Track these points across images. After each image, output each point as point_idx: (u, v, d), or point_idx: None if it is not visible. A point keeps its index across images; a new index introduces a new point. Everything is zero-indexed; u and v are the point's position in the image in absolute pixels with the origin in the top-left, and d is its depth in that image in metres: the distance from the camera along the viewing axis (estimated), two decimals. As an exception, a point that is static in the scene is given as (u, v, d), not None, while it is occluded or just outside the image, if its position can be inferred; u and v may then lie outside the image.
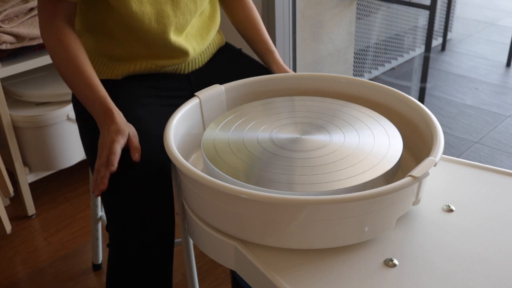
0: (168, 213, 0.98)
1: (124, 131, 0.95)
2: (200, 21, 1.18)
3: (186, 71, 1.19)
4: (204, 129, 1.04)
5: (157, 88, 1.14)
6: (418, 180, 0.77)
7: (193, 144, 1.02)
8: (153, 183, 0.96)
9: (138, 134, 1.01)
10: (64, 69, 1.01)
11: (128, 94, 1.09)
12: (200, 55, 1.20)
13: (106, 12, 1.06)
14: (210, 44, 1.23)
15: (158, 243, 0.97)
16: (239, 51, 1.29)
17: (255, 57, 1.28)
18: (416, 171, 0.78)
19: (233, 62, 1.25)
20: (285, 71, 1.20)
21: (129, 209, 0.95)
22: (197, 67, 1.20)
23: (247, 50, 1.29)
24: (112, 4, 1.03)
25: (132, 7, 1.03)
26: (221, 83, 1.07)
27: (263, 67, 1.24)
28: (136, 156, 0.94)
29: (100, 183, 0.91)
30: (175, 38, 1.11)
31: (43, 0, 1.02)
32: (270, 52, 1.23)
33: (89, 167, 1.05)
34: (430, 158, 0.81)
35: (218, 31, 1.27)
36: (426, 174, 0.78)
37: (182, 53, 1.13)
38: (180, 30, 1.11)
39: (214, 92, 1.05)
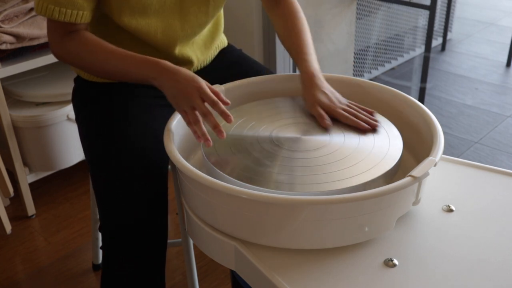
0: (162, 215, 0.98)
1: (196, 76, 0.91)
2: (205, 31, 1.17)
3: None
4: (204, 129, 1.04)
5: (157, 88, 1.14)
6: (418, 180, 0.77)
7: (192, 145, 1.02)
8: (149, 185, 0.96)
9: (137, 133, 1.01)
10: (95, 61, 0.99)
11: (126, 93, 1.09)
12: (203, 61, 1.20)
13: (110, 21, 1.05)
14: (213, 50, 1.23)
15: (152, 244, 0.97)
16: (239, 52, 1.29)
17: (256, 58, 1.27)
18: (416, 171, 0.78)
19: (233, 63, 1.24)
20: (306, 87, 1.00)
21: (123, 211, 0.95)
22: (199, 68, 1.20)
23: (248, 51, 1.29)
24: (115, 20, 1.03)
25: (136, 20, 1.02)
26: (221, 83, 1.07)
27: (263, 68, 1.24)
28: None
29: (219, 132, 0.88)
30: (180, 49, 1.10)
31: (52, 24, 0.99)
32: (301, 60, 1.05)
33: (89, 167, 1.05)
34: (430, 158, 0.81)
35: (222, 34, 1.26)
36: (426, 174, 0.78)
37: (186, 62, 1.13)
38: (186, 42, 1.11)
39: (214, 92, 1.04)
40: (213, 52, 1.22)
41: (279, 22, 1.12)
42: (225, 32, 1.30)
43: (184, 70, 0.92)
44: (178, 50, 1.10)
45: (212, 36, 1.19)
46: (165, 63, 0.94)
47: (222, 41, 1.26)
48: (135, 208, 0.95)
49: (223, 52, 1.26)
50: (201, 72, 1.20)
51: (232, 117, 0.89)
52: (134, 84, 1.12)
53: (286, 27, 1.10)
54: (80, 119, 1.10)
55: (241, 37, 1.29)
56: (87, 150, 1.06)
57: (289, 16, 1.11)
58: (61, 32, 1.00)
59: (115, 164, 0.97)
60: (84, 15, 0.97)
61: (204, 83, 0.91)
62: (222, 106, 0.88)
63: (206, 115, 0.88)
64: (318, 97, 0.97)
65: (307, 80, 1.00)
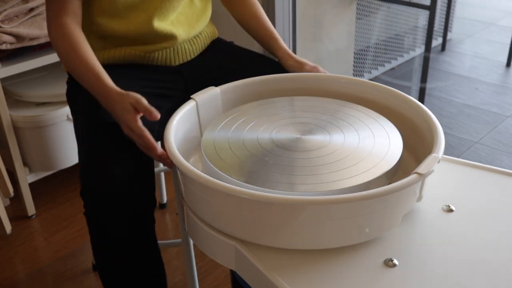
0: (149, 168, 1.00)
1: (126, 107, 0.93)
2: (190, 12, 1.18)
3: (176, 62, 1.18)
4: (201, 132, 1.04)
5: (149, 80, 1.13)
6: (423, 177, 0.77)
7: (190, 147, 1.01)
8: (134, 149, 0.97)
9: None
10: (67, 60, 1.03)
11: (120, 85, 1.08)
12: (190, 43, 1.20)
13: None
14: (201, 34, 1.23)
15: (140, 201, 0.97)
16: (230, 43, 1.29)
17: (256, 50, 1.27)
18: (421, 168, 0.78)
19: (225, 55, 1.25)
20: (290, 57, 1.17)
21: (107, 167, 0.95)
22: (188, 58, 1.20)
23: (239, 43, 1.30)
24: None
25: None
26: (214, 76, 1.07)
27: (255, 56, 1.24)
28: (153, 115, 0.91)
29: (166, 164, 0.92)
30: (159, 24, 1.11)
31: (49, 3, 1.03)
32: (273, 39, 1.20)
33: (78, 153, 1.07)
34: (433, 155, 0.81)
35: (210, 23, 1.27)
36: (431, 171, 0.79)
37: (168, 37, 1.14)
38: (165, 15, 1.12)
39: (210, 94, 1.04)
40: (201, 36, 1.23)
41: (243, 7, 1.25)
42: (222, 27, 1.31)
43: (122, 102, 0.94)
44: (157, 26, 1.11)
45: (197, 18, 1.20)
46: (111, 93, 0.96)
47: (211, 29, 1.28)
48: (120, 165, 0.96)
49: (213, 44, 1.28)
50: (193, 64, 1.20)
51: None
52: (125, 76, 1.11)
53: (250, 12, 1.24)
54: (77, 121, 1.11)
55: (233, 30, 1.30)
56: (81, 152, 1.07)
57: (252, 2, 1.25)
58: (57, 11, 1.03)
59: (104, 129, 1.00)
60: None
61: (134, 120, 0.92)
62: (160, 155, 0.92)
63: (148, 149, 0.93)
64: (303, 61, 1.15)
65: (286, 53, 1.17)
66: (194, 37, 1.21)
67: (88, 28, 1.10)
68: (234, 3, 1.26)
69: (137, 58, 1.15)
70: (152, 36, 1.12)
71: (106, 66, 1.11)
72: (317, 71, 1.12)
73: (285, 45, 1.20)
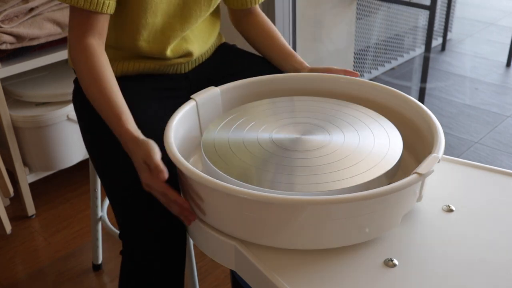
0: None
1: (140, 163, 0.87)
2: (204, 27, 1.18)
3: (186, 70, 1.19)
4: (201, 132, 1.04)
5: (156, 89, 1.13)
6: (423, 177, 0.77)
7: (190, 147, 1.01)
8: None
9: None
10: (88, 87, 0.97)
11: (127, 96, 1.08)
12: (201, 55, 1.20)
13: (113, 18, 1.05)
14: (211, 46, 1.24)
15: (172, 244, 0.95)
16: (234, 47, 1.30)
17: (251, 51, 1.28)
18: (421, 168, 0.78)
19: (229, 58, 1.25)
20: (311, 68, 1.15)
21: (141, 216, 0.94)
22: (196, 65, 1.21)
23: (241, 46, 1.30)
24: (129, 14, 1.03)
25: (147, 18, 1.04)
26: (218, 79, 1.07)
27: (258, 59, 1.24)
28: (161, 176, 0.83)
29: (186, 219, 0.87)
30: (177, 44, 1.11)
31: (75, 15, 0.98)
32: (291, 55, 1.19)
33: (94, 167, 1.05)
34: (433, 155, 0.81)
35: (218, 32, 1.28)
36: (431, 171, 0.79)
37: (185, 54, 1.14)
38: (182, 35, 1.12)
39: (209, 94, 1.04)
40: (211, 47, 1.23)
41: (256, 28, 1.23)
42: (224, 30, 1.31)
43: (136, 155, 0.88)
44: (169, 54, 1.11)
45: (209, 32, 1.21)
46: (128, 141, 0.90)
47: (219, 37, 1.28)
48: (154, 213, 0.93)
49: (218, 48, 1.28)
50: (198, 69, 1.21)
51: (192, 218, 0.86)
52: (131, 86, 1.11)
53: (265, 31, 1.22)
54: (82, 119, 1.11)
55: (236, 34, 1.30)
56: (91, 149, 1.06)
57: (266, 23, 1.24)
58: (82, 26, 0.97)
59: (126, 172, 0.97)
60: (110, 5, 0.97)
61: (153, 180, 0.85)
62: (184, 208, 0.86)
63: (168, 205, 0.87)
64: (329, 67, 1.12)
65: (304, 66, 1.15)
66: (206, 50, 1.22)
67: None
68: (248, 25, 1.24)
69: (150, 71, 1.15)
70: (169, 55, 1.12)
71: (117, 78, 1.11)
72: (350, 73, 1.10)
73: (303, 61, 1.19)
